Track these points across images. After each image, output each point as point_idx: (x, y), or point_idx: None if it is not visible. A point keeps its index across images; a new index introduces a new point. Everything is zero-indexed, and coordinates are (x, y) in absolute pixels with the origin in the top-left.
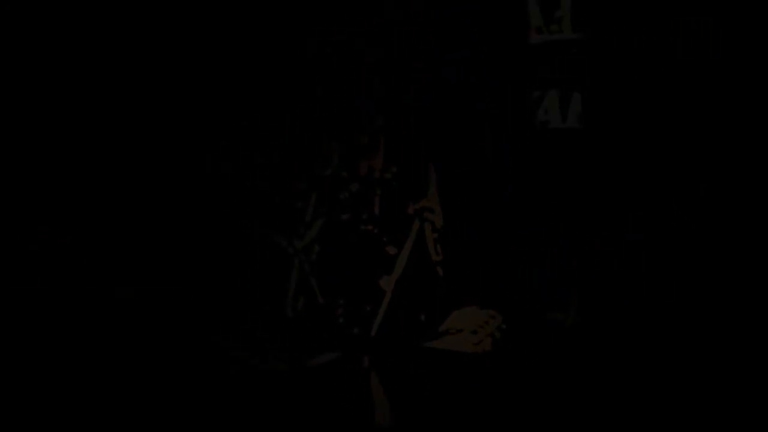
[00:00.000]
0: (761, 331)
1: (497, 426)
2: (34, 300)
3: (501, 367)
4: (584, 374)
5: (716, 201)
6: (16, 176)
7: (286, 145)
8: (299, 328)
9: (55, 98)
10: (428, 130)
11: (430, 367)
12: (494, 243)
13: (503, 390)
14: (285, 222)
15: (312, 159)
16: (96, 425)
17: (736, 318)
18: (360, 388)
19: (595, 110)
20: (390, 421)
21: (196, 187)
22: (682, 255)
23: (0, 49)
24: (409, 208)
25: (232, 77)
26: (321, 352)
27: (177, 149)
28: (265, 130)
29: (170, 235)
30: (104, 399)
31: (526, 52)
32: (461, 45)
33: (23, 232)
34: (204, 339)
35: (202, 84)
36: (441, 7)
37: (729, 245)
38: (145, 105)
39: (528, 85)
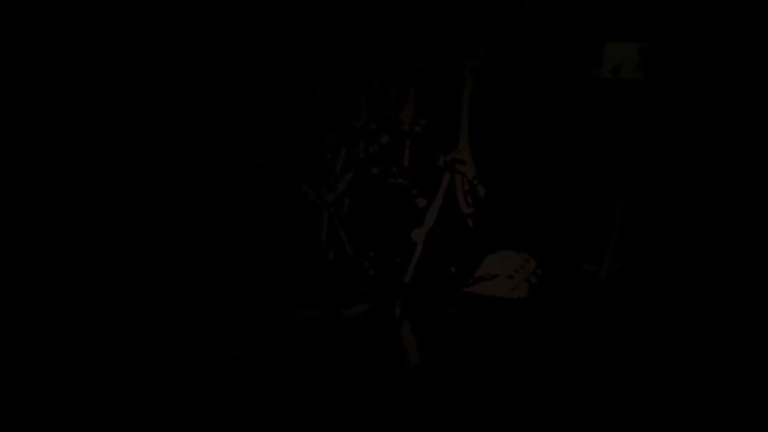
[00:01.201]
0: None
1: (527, 372)
2: (34, 300)
3: (533, 315)
4: (612, 326)
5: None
6: (16, 176)
7: (285, 144)
8: (330, 280)
9: (55, 99)
10: (458, 83)
11: (461, 315)
12: (527, 196)
13: (533, 338)
14: (314, 176)
15: (341, 112)
16: (97, 423)
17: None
18: (392, 337)
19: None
20: (420, 363)
21: (196, 186)
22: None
23: (0, 49)
24: (439, 160)
25: (232, 77)
26: (353, 302)
27: (177, 149)
28: (265, 129)
29: (170, 234)
30: (105, 397)
31: None
32: None
33: (23, 232)
34: (205, 331)
35: (203, 84)
36: None
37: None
38: (146, 105)
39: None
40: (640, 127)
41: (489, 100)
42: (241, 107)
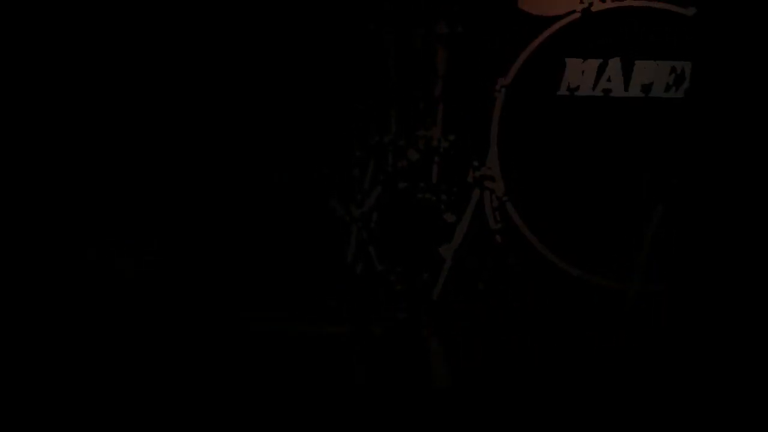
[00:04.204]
0: None
1: (555, 389)
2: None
3: (558, 334)
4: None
5: None
6: (16, 175)
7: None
8: (358, 295)
9: (56, 100)
10: (487, 98)
11: (488, 330)
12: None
13: (560, 355)
14: (343, 190)
15: (369, 127)
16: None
17: None
18: (419, 353)
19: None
20: (449, 383)
21: (220, 199)
22: None
23: (1, 49)
24: (468, 176)
25: (261, 91)
26: (381, 318)
27: (204, 160)
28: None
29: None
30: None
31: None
32: None
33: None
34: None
35: (232, 96)
36: None
37: None
38: (152, 106)
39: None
40: (673, 145)
41: (519, 118)
42: (270, 121)
